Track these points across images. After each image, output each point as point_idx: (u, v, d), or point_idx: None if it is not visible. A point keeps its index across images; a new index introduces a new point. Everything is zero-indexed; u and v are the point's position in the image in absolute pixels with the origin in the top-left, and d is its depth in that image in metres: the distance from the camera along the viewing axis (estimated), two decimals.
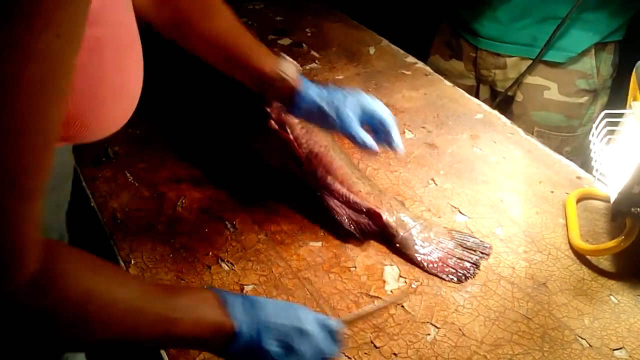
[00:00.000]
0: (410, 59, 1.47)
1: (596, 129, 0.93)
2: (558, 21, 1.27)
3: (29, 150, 0.40)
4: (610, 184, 0.90)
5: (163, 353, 0.73)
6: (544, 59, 1.33)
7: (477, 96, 1.49)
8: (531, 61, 1.35)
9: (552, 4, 1.28)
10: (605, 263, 0.89)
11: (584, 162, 1.11)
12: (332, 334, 0.63)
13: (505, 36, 1.37)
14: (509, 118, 1.26)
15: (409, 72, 1.41)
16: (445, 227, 0.93)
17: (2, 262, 0.43)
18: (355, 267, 0.87)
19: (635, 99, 0.88)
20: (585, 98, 1.36)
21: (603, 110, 1.19)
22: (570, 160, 1.12)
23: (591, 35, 1.30)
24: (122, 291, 0.52)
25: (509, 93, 1.43)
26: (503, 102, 1.44)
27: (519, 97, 1.42)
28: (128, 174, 1.02)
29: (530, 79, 1.38)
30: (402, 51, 1.51)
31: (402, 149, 0.89)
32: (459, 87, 1.39)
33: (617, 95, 1.36)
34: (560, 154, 1.15)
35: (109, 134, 0.57)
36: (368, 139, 0.85)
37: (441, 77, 1.40)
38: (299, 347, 0.60)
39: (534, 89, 1.39)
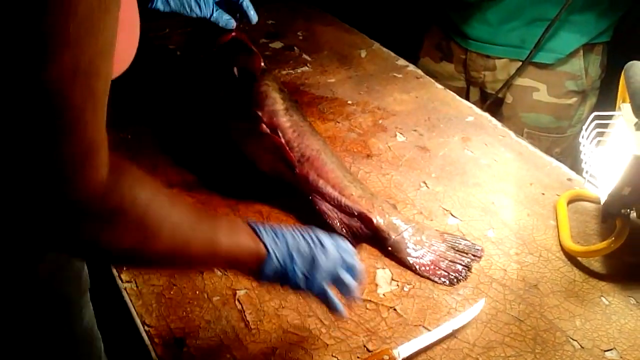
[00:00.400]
0: (402, 62, 1.48)
1: (586, 130, 0.94)
2: (546, 23, 1.28)
3: (100, 53, 0.42)
4: (600, 185, 0.91)
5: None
6: (533, 60, 1.34)
7: (467, 98, 1.49)
8: (520, 63, 1.36)
9: (541, 6, 1.29)
10: (596, 264, 0.90)
11: (574, 164, 1.11)
12: (347, 254, 0.70)
13: (495, 38, 1.38)
14: (498, 120, 1.27)
15: (400, 75, 1.41)
16: (437, 230, 0.94)
17: (81, 163, 0.44)
18: None
19: (624, 101, 0.89)
20: (574, 99, 1.37)
21: (592, 111, 1.20)
22: (561, 161, 1.13)
23: (579, 36, 1.31)
24: (176, 208, 0.56)
25: (499, 95, 1.44)
26: (493, 104, 1.45)
27: (509, 98, 1.43)
28: None
29: (519, 81, 1.39)
30: (393, 54, 1.51)
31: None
32: (449, 89, 1.39)
33: (606, 97, 1.36)
34: (550, 155, 1.15)
35: (121, 72, 0.59)
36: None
37: (432, 80, 1.40)
38: (318, 268, 0.67)
39: (523, 90, 1.40)
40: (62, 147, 0.42)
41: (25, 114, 0.40)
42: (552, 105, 1.38)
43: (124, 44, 0.56)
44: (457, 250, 0.90)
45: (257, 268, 0.64)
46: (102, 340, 0.88)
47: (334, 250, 0.69)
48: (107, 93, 0.45)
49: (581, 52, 1.33)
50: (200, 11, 0.97)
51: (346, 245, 0.71)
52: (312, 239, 0.68)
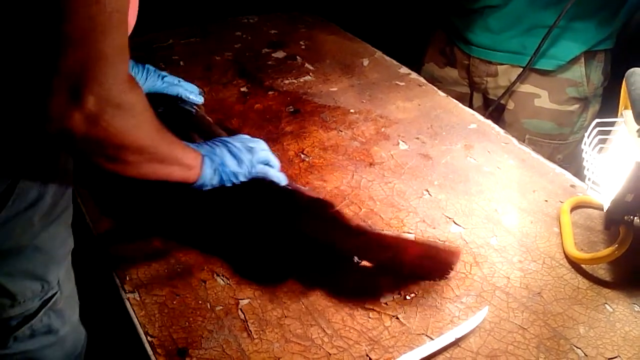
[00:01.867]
0: (404, 70, 1.48)
1: (588, 137, 0.93)
2: (547, 30, 1.28)
3: None
4: (603, 192, 0.91)
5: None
6: (534, 67, 1.34)
7: (470, 104, 1.50)
8: (521, 69, 1.36)
9: (541, 13, 1.29)
10: (600, 271, 0.89)
11: (578, 171, 1.11)
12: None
13: (496, 44, 1.38)
14: (500, 126, 1.27)
15: (403, 83, 1.42)
16: None
17: (120, 56, 0.59)
18: (350, 279, 0.87)
19: (626, 108, 0.89)
20: (576, 106, 1.37)
21: (595, 117, 1.19)
22: (563, 168, 1.13)
23: (580, 44, 1.31)
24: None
25: (501, 101, 1.44)
26: (495, 111, 1.45)
27: (510, 105, 1.43)
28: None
29: (521, 87, 1.39)
30: (395, 62, 1.52)
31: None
32: (453, 94, 1.40)
33: (609, 104, 1.36)
34: (553, 161, 1.15)
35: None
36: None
37: (435, 88, 1.40)
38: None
39: (524, 97, 1.40)
40: (112, 39, 0.56)
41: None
42: (553, 112, 1.38)
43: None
44: None
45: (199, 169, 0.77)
46: (106, 350, 0.88)
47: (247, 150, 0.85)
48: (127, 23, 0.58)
49: (582, 59, 1.33)
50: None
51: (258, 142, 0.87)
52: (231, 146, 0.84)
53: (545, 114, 1.38)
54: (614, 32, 1.32)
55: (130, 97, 0.61)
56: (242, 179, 0.84)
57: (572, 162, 1.35)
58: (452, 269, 0.87)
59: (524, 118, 1.41)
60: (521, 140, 1.23)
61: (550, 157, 1.18)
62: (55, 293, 0.76)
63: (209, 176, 0.80)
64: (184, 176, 0.76)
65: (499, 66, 1.41)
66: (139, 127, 0.64)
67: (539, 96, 1.38)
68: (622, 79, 0.92)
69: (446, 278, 0.86)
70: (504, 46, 1.37)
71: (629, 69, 0.91)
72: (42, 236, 0.71)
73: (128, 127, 0.62)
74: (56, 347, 0.80)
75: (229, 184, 0.83)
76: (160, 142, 0.69)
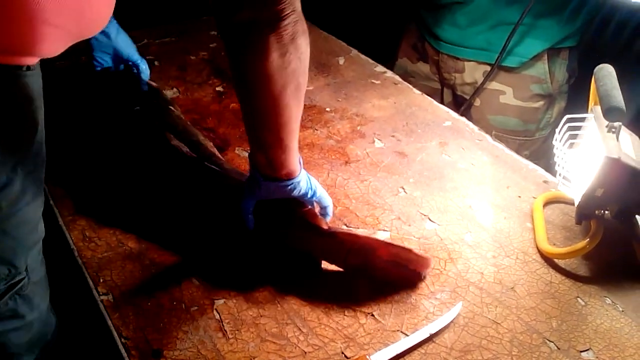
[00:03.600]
0: (380, 68, 1.49)
1: (558, 133, 0.95)
2: (511, 27, 1.30)
3: None
4: (574, 187, 0.92)
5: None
6: (499, 63, 1.36)
7: (441, 99, 1.52)
8: (487, 65, 1.38)
9: (506, 10, 1.31)
10: (572, 265, 0.91)
11: (546, 166, 1.13)
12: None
13: (463, 40, 1.40)
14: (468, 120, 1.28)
15: (379, 82, 1.42)
16: None
17: None
18: (326, 278, 0.87)
19: (595, 104, 0.90)
20: (541, 102, 1.39)
21: (561, 114, 1.21)
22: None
23: (542, 41, 1.33)
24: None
25: (468, 98, 1.45)
26: (462, 107, 1.47)
27: (477, 102, 1.45)
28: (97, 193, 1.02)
29: (486, 84, 1.41)
30: (371, 61, 1.52)
31: None
32: (425, 89, 1.41)
33: (576, 100, 1.39)
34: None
35: (98, 31, 0.72)
36: None
37: (410, 86, 1.41)
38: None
39: (490, 93, 1.42)
40: None
41: None
42: (518, 108, 1.40)
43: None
44: None
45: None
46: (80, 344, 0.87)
47: None
48: None
49: (545, 56, 1.35)
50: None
51: None
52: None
53: (510, 110, 1.40)
54: (578, 30, 1.34)
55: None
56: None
57: (539, 159, 1.37)
58: (422, 279, 0.87)
59: (489, 114, 1.43)
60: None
61: (517, 153, 1.19)
62: (23, 278, 0.75)
63: (304, 177, 0.86)
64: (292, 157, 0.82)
65: (466, 62, 1.43)
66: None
67: (504, 93, 1.40)
68: (590, 76, 0.93)
69: (415, 287, 0.86)
70: (470, 42, 1.39)
71: (595, 65, 0.93)
72: (10, 221, 0.70)
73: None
74: (21, 332, 0.79)
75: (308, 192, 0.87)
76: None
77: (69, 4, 0.62)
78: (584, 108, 0.96)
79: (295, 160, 0.83)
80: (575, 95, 1.41)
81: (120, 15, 1.09)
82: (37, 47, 0.63)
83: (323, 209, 0.92)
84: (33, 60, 0.65)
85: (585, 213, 0.90)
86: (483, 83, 1.39)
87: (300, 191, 0.85)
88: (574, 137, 0.93)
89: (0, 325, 0.76)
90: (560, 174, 0.94)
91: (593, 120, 0.90)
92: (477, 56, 1.40)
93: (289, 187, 0.84)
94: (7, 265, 0.73)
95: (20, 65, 0.63)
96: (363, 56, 1.55)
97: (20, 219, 0.72)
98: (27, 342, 0.81)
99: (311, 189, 0.88)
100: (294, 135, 0.81)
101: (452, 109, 1.35)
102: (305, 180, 0.86)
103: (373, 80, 1.43)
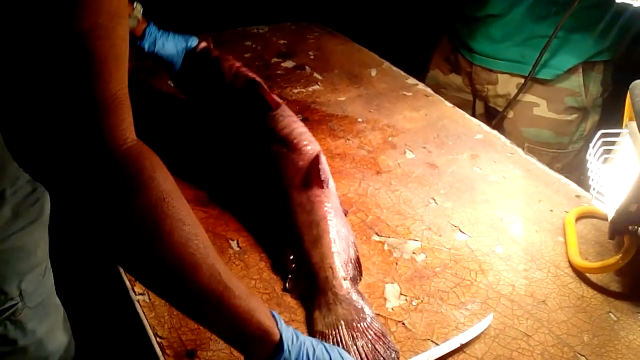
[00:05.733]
0: (411, 80, 1.50)
1: (593, 147, 0.94)
2: (545, 40, 1.30)
3: (116, 13, 0.45)
4: (607, 202, 0.92)
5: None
6: (533, 76, 1.36)
7: (473, 111, 1.52)
8: (520, 77, 1.39)
9: (540, 24, 1.32)
10: (604, 280, 0.90)
11: (578, 180, 1.12)
12: None
13: (497, 53, 1.41)
14: (501, 134, 1.28)
15: (410, 93, 1.43)
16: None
17: (106, 110, 0.46)
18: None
19: (630, 119, 0.90)
20: (575, 115, 1.38)
21: (595, 128, 1.20)
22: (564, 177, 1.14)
23: (578, 54, 1.33)
24: (196, 226, 0.53)
25: (500, 110, 1.45)
26: (494, 118, 1.47)
27: (510, 113, 1.45)
28: None
29: (520, 96, 1.41)
30: (403, 73, 1.54)
31: None
32: (457, 101, 1.42)
33: (610, 114, 1.38)
34: (553, 170, 1.17)
35: None
36: None
37: (441, 98, 1.42)
38: None
39: (524, 105, 1.42)
40: (92, 93, 0.45)
41: (55, 63, 0.43)
42: (552, 121, 1.39)
43: None
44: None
45: (263, 354, 0.58)
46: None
47: None
48: (127, 54, 0.48)
49: (580, 69, 1.35)
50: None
51: None
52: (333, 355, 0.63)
53: (544, 122, 1.40)
54: (612, 44, 1.34)
55: (131, 168, 0.50)
56: None
57: (572, 172, 1.36)
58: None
59: (522, 126, 1.43)
60: (520, 148, 1.25)
61: (549, 166, 1.19)
62: (15, 304, 0.75)
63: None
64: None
65: (499, 74, 1.43)
66: None
67: (538, 105, 1.40)
68: (624, 89, 0.93)
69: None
70: (504, 55, 1.40)
71: (629, 79, 0.93)
72: None
73: (134, 218, 0.50)
74: (15, 357, 0.78)
75: None
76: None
77: None
78: (618, 122, 0.96)
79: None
80: (609, 109, 1.40)
81: (161, 24, 1.13)
82: None
83: None
84: None
85: (619, 228, 0.89)
86: (517, 95, 1.39)
87: None
88: (608, 152, 0.93)
89: None
90: (594, 189, 0.94)
91: (628, 136, 0.89)
92: (510, 68, 1.41)
93: None
94: None
95: None
96: (395, 68, 1.56)
97: (12, 244, 0.71)
98: None
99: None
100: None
101: (483, 121, 1.35)
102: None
103: (404, 92, 1.44)
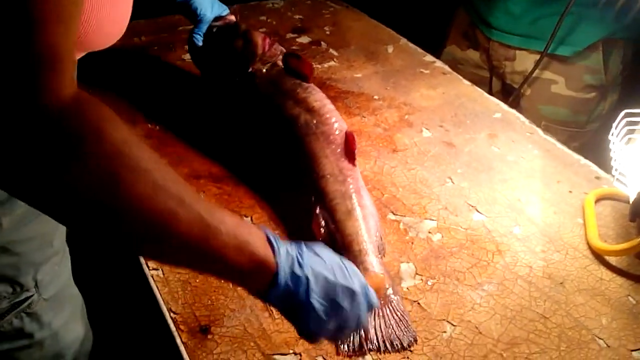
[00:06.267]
0: (429, 57, 1.47)
1: (615, 128, 0.92)
2: (566, 15, 1.27)
3: None
4: (629, 183, 0.90)
5: (182, 348, 0.74)
6: (551, 52, 1.33)
7: (490, 88, 1.50)
8: (538, 54, 1.36)
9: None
10: (623, 263, 0.89)
11: (597, 160, 1.10)
12: (369, 302, 0.62)
13: (516, 28, 1.38)
14: (516, 111, 1.26)
15: (427, 71, 1.41)
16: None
17: (44, 66, 0.41)
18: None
19: None
20: (593, 94, 1.36)
21: (614, 107, 1.18)
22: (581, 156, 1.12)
23: (597, 31, 1.30)
24: (160, 167, 0.47)
25: (517, 87, 1.43)
26: (511, 96, 1.44)
27: (527, 91, 1.42)
28: None
29: (538, 73, 1.38)
30: (420, 50, 1.51)
31: None
32: (474, 77, 1.40)
33: (630, 94, 1.35)
34: (569, 149, 1.14)
35: (108, 45, 0.59)
36: None
37: (459, 76, 1.39)
38: (342, 303, 0.57)
39: (542, 83, 1.39)
40: (27, 47, 0.40)
41: None
42: (570, 99, 1.37)
43: (115, 17, 0.58)
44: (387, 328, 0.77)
45: (260, 285, 0.55)
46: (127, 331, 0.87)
47: (362, 295, 0.60)
48: (78, 15, 0.44)
49: (600, 46, 1.31)
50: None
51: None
52: (343, 269, 0.59)
53: (561, 100, 1.38)
54: (633, 22, 1.30)
55: (73, 126, 0.44)
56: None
57: (589, 152, 1.34)
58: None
59: (540, 104, 1.40)
60: (537, 126, 1.23)
61: (566, 145, 1.17)
62: (31, 296, 0.74)
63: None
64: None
65: (517, 51, 1.41)
66: None
67: (557, 82, 1.37)
68: None
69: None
70: (523, 30, 1.37)
71: None
72: (12, 238, 0.68)
73: (86, 181, 0.43)
74: (31, 351, 0.77)
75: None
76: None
77: (90, 20, 0.55)
78: (637, 101, 0.93)
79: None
80: (629, 88, 1.37)
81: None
82: None
83: None
84: None
85: None
86: (533, 71, 1.36)
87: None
88: (631, 132, 0.91)
89: (6, 344, 0.74)
90: (615, 169, 0.92)
91: None
92: (528, 44, 1.38)
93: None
94: (10, 283, 0.71)
95: None
96: (412, 45, 1.53)
97: (27, 234, 0.70)
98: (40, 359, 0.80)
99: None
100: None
101: (500, 99, 1.33)
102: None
103: (422, 70, 1.41)
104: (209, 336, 0.75)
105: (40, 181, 0.42)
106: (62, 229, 0.78)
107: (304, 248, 0.59)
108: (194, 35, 1.14)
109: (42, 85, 0.41)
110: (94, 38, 0.55)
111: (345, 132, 0.97)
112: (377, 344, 0.75)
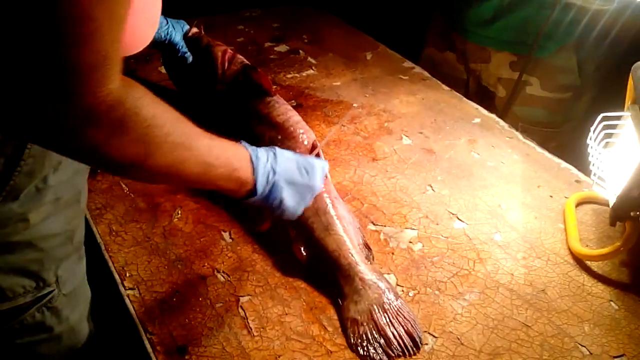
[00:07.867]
0: (408, 63, 1.47)
1: (593, 132, 0.92)
2: (537, 20, 1.28)
3: None
4: (609, 187, 0.89)
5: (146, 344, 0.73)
6: (526, 54, 1.33)
7: (466, 90, 1.50)
8: (513, 55, 1.37)
9: (533, 2, 1.28)
10: (605, 268, 0.88)
11: (574, 161, 1.10)
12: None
13: (491, 31, 1.38)
14: (491, 113, 1.26)
15: (406, 77, 1.40)
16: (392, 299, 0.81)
17: (95, 70, 0.49)
18: None
19: (632, 102, 0.87)
20: (568, 94, 1.36)
21: (589, 107, 1.17)
22: (558, 157, 1.12)
23: (570, 31, 1.30)
24: (179, 125, 0.61)
25: (491, 89, 1.43)
26: (486, 98, 1.44)
27: (501, 92, 1.42)
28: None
29: (512, 75, 1.38)
30: (399, 56, 1.50)
31: None
32: (451, 79, 1.40)
33: (604, 93, 1.35)
34: (547, 150, 1.14)
35: (138, 50, 0.67)
36: None
37: (438, 82, 1.39)
38: (306, 198, 0.79)
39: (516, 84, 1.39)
40: (80, 54, 0.47)
41: (48, 23, 0.45)
42: (545, 100, 1.37)
43: (144, 24, 0.66)
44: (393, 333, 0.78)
45: (243, 195, 0.73)
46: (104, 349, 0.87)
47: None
48: (126, 17, 0.51)
49: (574, 47, 1.31)
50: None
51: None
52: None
53: (537, 101, 1.38)
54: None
55: (118, 113, 0.54)
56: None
57: (566, 151, 1.34)
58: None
59: (515, 105, 1.40)
60: (514, 128, 1.23)
61: (543, 146, 1.17)
62: (52, 291, 0.75)
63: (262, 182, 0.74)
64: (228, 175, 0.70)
65: (492, 52, 1.41)
66: None
67: (531, 84, 1.37)
68: (618, 67, 0.90)
69: None
70: (497, 33, 1.37)
71: (623, 58, 0.90)
72: (38, 234, 0.69)
73: (125, 152, 0.56)
74: (51, 344, 0.79)
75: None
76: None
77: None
78: (613, 100, 0.93)
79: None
80: (604, 87, 1.37)
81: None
82: None
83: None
84: None
85: (620, 214, 0.87)
86: (520, 77, 1.36)
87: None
88: (609, 136, 0.91)
89: (28, 337, 0.76)
90: (594, 174, 0.91)
91: (630, 119, 0.87)
92: (504, 47, 1.38)
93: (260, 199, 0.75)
94: (34, 278, 0.72)
95: None
96: (390, 51, 1.53)
97: (51, 230, 0.71)
98: (57, 353, 0.81)
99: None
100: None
101: (476, 100, 1.33)
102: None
103: (401, 76, 1.41)
104: (187, 356, 0.74)
105: (98, 145, 0.53)
106: (82, 228, 0.79)
107: (278, 158, 0.76)
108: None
109: (98, 81, 0.50)
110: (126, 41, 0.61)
111: (312, 142, 0.95)
112: (397, 344, 0.76)
